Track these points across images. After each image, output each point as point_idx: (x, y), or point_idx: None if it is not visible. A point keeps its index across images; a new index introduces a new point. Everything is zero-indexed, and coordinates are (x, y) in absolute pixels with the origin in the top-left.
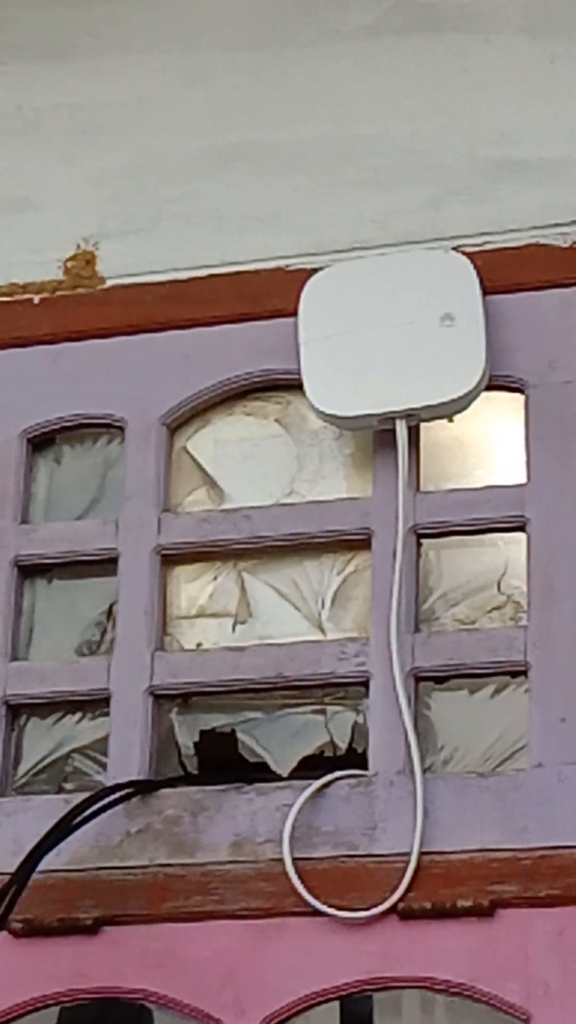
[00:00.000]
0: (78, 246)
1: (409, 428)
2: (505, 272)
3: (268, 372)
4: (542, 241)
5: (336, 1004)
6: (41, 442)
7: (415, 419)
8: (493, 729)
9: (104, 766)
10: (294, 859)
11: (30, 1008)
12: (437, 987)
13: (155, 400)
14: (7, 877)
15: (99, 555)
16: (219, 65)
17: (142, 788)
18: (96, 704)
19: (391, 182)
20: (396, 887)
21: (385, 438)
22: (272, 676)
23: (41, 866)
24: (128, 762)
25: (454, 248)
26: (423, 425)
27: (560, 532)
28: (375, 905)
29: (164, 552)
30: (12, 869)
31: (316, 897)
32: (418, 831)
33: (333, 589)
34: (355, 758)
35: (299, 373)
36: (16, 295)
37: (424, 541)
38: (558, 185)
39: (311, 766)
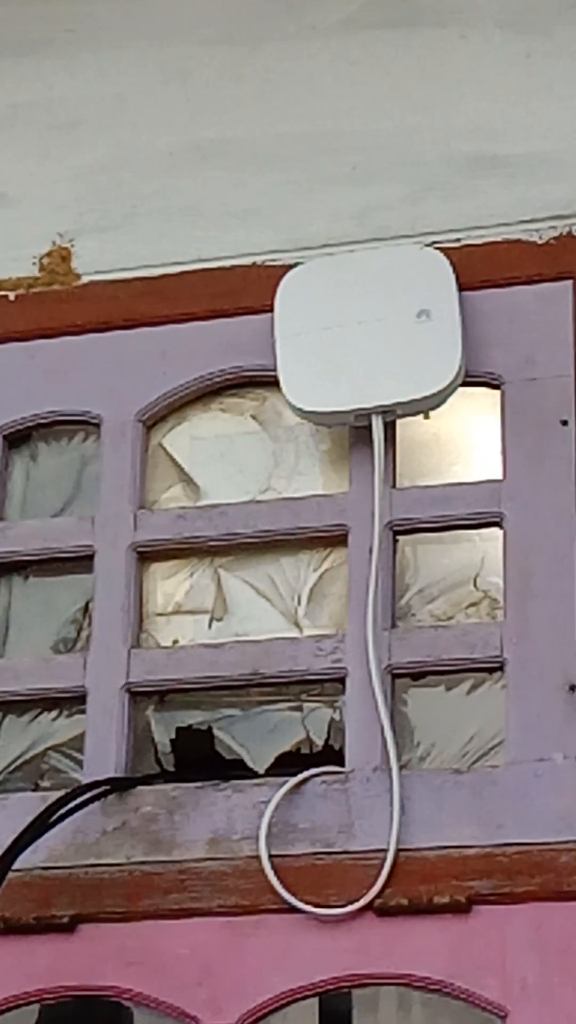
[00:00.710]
0: (54, 242)
1: (385, 424)
2: (481, 268)
3: (244, 368)
4: (518, 237)
5: (315, 1001)
6: (17, 439)
7: (391, 415)
8: (470, 725)
9: (80, 764)
10: (271, 856)
11: (7, 1006)
12: (414, 984)
13: (131, 397)
14: None
15: (75, 552)
16: (195, 61)
17: (118, 786)
18: (72, 702)
19: (368, 178)
20: (373, 884)
21: (361, 434)
22: (248, 673)
23: (17, 864)
24: (104, 760)
25: (430, 244)
26: (399, 421)
27: (536, 528)
28: (352, 902)
29: (140, 549)
30: None
31: (293, 894)
32: (395, 828)
33: (309, 585)
34: (332, 755)
35: (275, 369)
36: None
37: (400, 537)
38: (534, 181)
39: (288, 763)
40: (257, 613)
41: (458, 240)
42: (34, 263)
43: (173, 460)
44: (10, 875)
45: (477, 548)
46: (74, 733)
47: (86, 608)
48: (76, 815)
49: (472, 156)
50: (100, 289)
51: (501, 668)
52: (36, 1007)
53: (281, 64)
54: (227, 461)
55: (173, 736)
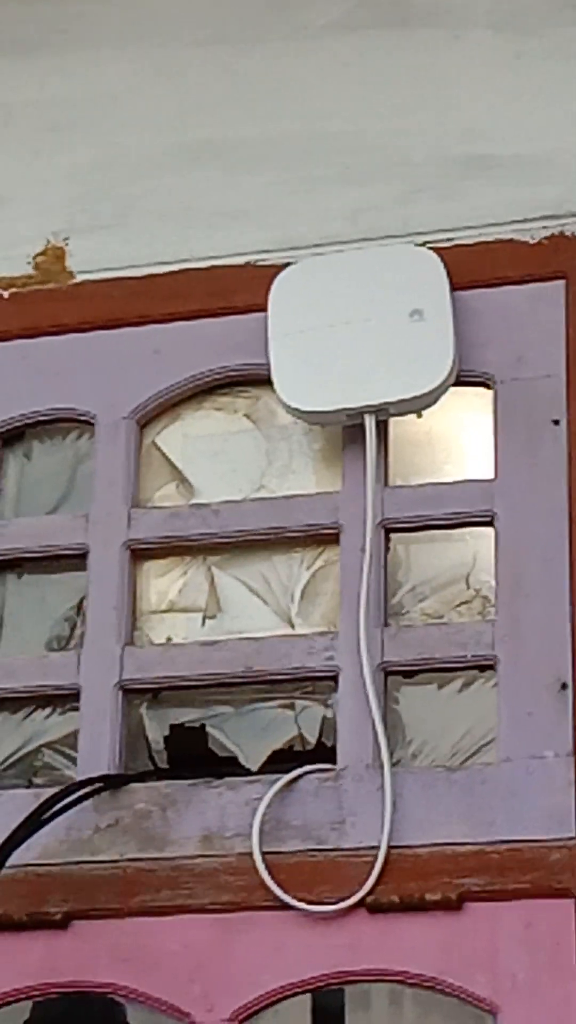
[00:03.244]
0: (48, 241)
1: (378, 423)
2: (473, 268)
3: (237, 367)
4: (510, 237)
5: (307, 997)
6: (11, 437)
7: (384, 414)
8: (461, 723)
9: (74, 761)
10: (263, 853)
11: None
12: (406, 980)
13: (124, 395)
14: None
15: (69, 550)
16: (188, 61)
17: (111, 783)
18: (65, 699)
19: (360, 178)
20: (364, 881)
21: (354, 433)
22: (241, 671)
23: (10, 861)
24: (97, 757)
25: (423, 244)
26: (392, 420)
27: (528, 527)
28: (344, 899)
29: (133, 547)
30: None
31: (285, 891)
32: (386, 825)
33: (302, 584)
34: (324, 752)
35: (268, 368)
36: None
37: (393, 536)
38: (526, 181)
39: (280, 760)
40: (250, 611)
41: (450, 240)
42: (28, 262)
43: (166, 458)
44: (3, 872)
45: (469, 547)
46: (67, 730)
47: (79, 606)
48: (69, 812)
49: (464, 156)
50: (94, 288)
51: (493, 666)
52: (25, 1004)
53: (273, 65)
54: (220, 460)
55: (166, 733)
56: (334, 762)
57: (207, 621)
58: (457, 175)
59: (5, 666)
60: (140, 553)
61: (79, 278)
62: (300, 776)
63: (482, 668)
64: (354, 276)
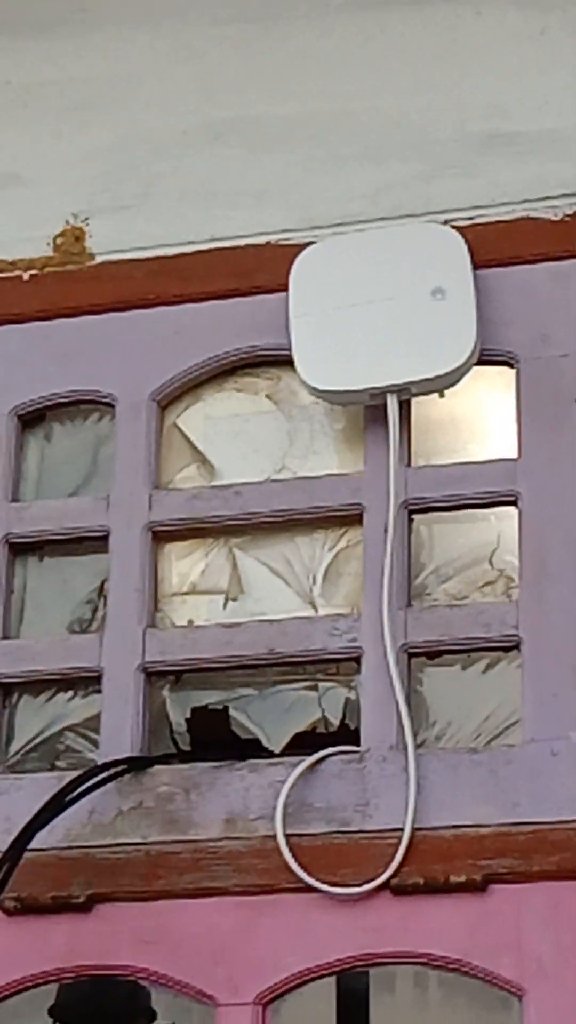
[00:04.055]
0: (67, 222)
1: (400, 403)
2: (496, 246)
3: (258, 348)
4: (533, 214)
5: (332, 980)
6: (31, 420)
7: (406, 394)
8: (485, 704)
9: (96, 744)
10: (287, 835)
11: (24, 986)
12: (430, 963)
13: (145, 376)
14: None
15: (90, 532)
16: (208, 40)
17: (135, 765)
18: (88, 682)
19: (381, 156)
20: (389, 863)
21: (376, 413)
22: (264, 653)
23: (34, 844)
24: (120, 739)
25: (445, 222)
26: (414, 400)
27: (552, 506)
28: (368, 881)
29: (155, 529)
30: (4, 847)
31: (309, 873)
32: (411, 807)
33: (325, 565)
34: (348, 734)
35: (290, 348)
36: (5, 272)
37: (416, 516)
38: (549, 158)
39: (304, 743)
40: (272, 593)
41: (472, 218)
42: (48, 243)
43: (188, 440)
44: (27, 855)
45: (492, 527)
46: (90, 713)
47: (101, 588)
48: (92, 795)
49: (486, 134)
50: (114, 269)
51: (517, 647)
52: (54, 986)
53: (294, 43)
54: (242, 441)
55: (188, 716)
56: (358, 744)
57: (229, 603)
58: (479, 152)
59: (27, 649)
60: (162, 535)
61: (99, 259)
62: (324, 758)
63: (506, 649)
64: (375, 255)
